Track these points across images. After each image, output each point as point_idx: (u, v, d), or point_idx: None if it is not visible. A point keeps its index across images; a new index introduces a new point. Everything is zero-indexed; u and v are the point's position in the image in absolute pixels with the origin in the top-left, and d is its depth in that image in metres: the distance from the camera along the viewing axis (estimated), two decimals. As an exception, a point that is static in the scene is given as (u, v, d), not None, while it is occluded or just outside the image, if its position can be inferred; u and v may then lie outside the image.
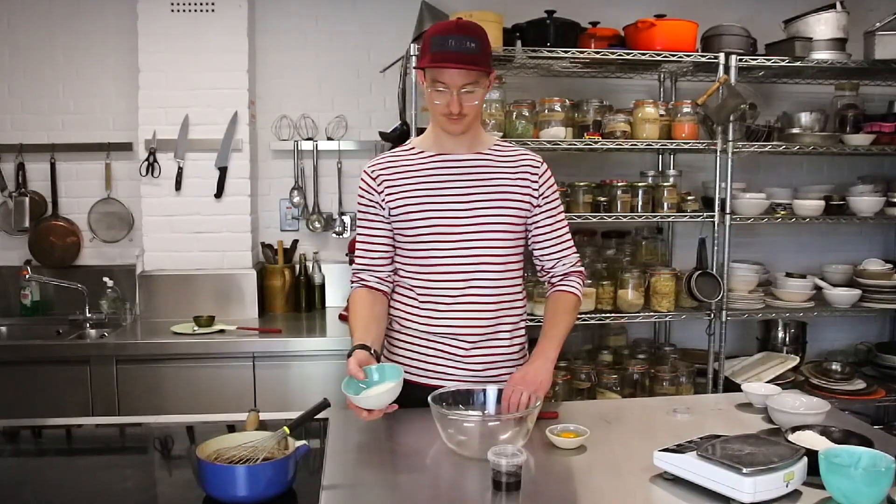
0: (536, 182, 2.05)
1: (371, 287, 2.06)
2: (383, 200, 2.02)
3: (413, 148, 2.09)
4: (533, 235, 2.10)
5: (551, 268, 2.11)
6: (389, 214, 2.02)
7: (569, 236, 2.13)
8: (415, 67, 1.98)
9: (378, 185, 2.03)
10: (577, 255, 2.13)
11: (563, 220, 2.12)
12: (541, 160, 2.10)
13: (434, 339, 2.02)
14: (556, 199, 2.11)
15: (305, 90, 3.82)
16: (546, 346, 1.96)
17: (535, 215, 2.07)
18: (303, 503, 1.50)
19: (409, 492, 1.54)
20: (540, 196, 2.06)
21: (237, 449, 1.55)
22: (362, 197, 2.06)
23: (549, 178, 2.10)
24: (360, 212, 2.08)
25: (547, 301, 2.11)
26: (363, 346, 1.85)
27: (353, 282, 2.10)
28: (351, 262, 2.17)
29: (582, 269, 2.14)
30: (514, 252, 2.06)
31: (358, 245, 2.09)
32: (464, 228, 1.98)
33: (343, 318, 3.53)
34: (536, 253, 2.12)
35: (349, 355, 1.83)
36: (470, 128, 2.00)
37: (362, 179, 2.06)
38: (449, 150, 2.04)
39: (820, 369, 3.54)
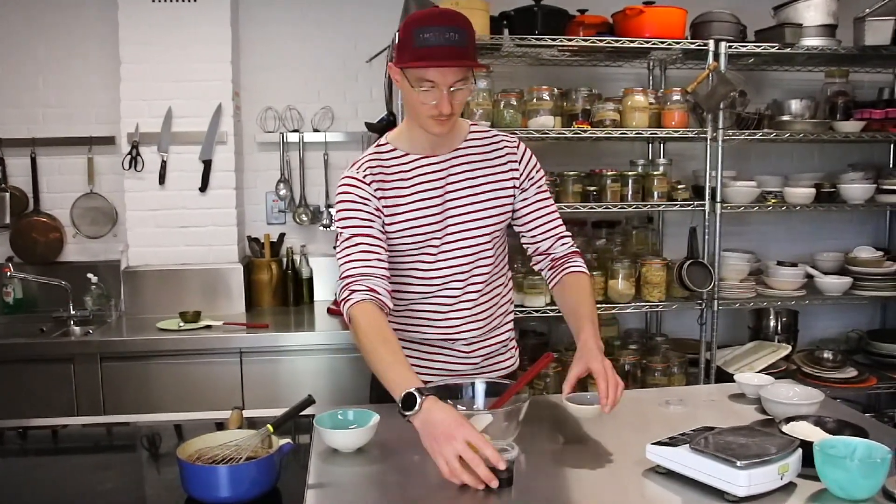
0: (517, 164, 1.96)
1: (382, 301, 1.78)
2: (384, 207, 1.86)
3: (395, 150, 1.92)
4: (522, 217, 1.99)
5: (548, 248, 2.01)
6: (384, 224, 1.89)
7: (559, 216, 2.03)
8: (398, 65, 1.74)
9: (375, 192, 1.86)
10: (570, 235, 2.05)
11: (551, 199, 2.03)
12: (517, 140, 2.00)
13: (430, 345, 1.98)
14: (543, 177, 2.02)
15: (291, 81, 3.77)
16: (593, 333, 1.82)
17: (523, 198, 1.98)
18: (288, 503, 1.47)
19: (397, 489, 1.50)
20: (525, 178, 1.97)
21: (220, 448, 1.51)
22: (355, 202, 1.85)
23: (531, 157, 1.99)
24: (354, 217, 1.84)
25: (562, 284, 1.97)
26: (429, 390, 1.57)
27: (354, 290, 1.77)
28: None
29: (579, 250, 2.05)
30: (502, 245, 2.02)
31: (357, 252, 1.81)
32: (456, 234, 1.91)
33: (332, 311, 3.49)
34: (528, 234, 2.01)
35: (413, 404, 1.51)
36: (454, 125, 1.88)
37: (354, 186, 1.86)
38: (428, 152, 1.91)
39: (812, 358, 3.52)
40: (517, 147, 1.99)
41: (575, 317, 1.90)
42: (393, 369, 1.62)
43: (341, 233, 1.86)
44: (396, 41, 1.76)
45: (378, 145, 1.96)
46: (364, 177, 1.87)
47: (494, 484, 1.42)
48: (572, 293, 1.95)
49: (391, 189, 1.88)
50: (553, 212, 2.02)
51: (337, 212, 1.88)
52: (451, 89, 1.73)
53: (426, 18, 1.71)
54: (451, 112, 1.75)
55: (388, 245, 1.88)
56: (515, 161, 1.97)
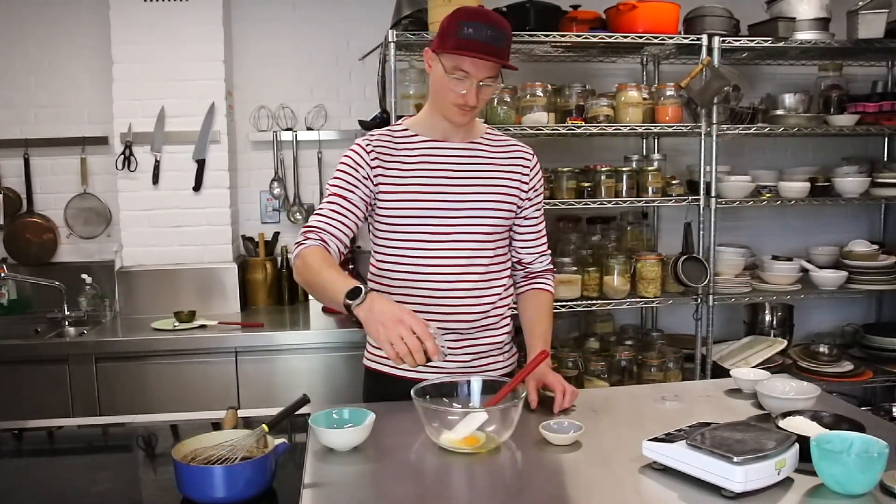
0: (528, 175, 2.05)
1: (329, 252, 1.86)
2: (375, 176, 1.94)
3: (406, 130, 2.01)
4: (517, 227, 2.09)
5: (530, 262, 2.13)
6: (376, 198, 1.95)
7: (545, 232, 2.15)
8: (438, 51, 1.86)
9: (371, 161, 1.93)
10: (550, 251, 2.20)
11: (543, 215, 2.14)
12: (532, 152, 2.09)
13: None
14: (543, 193, 2.12)
15: (284, 80, 3.76)
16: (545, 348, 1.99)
17: (524, 208, 2.06)
18: (283, 502, 1.47)
19: (392, 488, 1.50)
20: (530, 189, 2.06)
21: (215, 448, 1.51)
22: (348, 165, 1.93)
23: (540, 171, 2.10)
24: (341, 178, 1.93)
25: (528, 297, 2.13)
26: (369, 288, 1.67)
27: (308, 238, 1.86)
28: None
29: (553, 266, 2.20)
30: (504, 243, 2.06)
31: (327, 208, 1.91)
32: (455, 221, 1.94)
33: (327, 310, 3.48)
34: (517, 245, 2.12)
35: (357, 295, 1.62)
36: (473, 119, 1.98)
37: (354, 151, 1.95)
38: (443, 138, 1.99)
39: (807, 352, 3.53)
40: (532, 157, 2.08)
41: (530, 333, 2.06)
42: (338, 281, 1.70)
43: (328, 188, 1.96)
44: (440, 30, 1.88)
45: (395, 125, 2.06)
46: (366, 145, 1.96)
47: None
48: (533, 308, 2.11)
49: (393, 161, 1.95)
50: (542, 229, 2.14)
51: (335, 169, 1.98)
52: (480, 83, 1.85)
53: (472, 15, 1.84)
54: (475, 104, 1.87)
55: (384, 219, 1.95)
56: (528, 169, 2.06)
